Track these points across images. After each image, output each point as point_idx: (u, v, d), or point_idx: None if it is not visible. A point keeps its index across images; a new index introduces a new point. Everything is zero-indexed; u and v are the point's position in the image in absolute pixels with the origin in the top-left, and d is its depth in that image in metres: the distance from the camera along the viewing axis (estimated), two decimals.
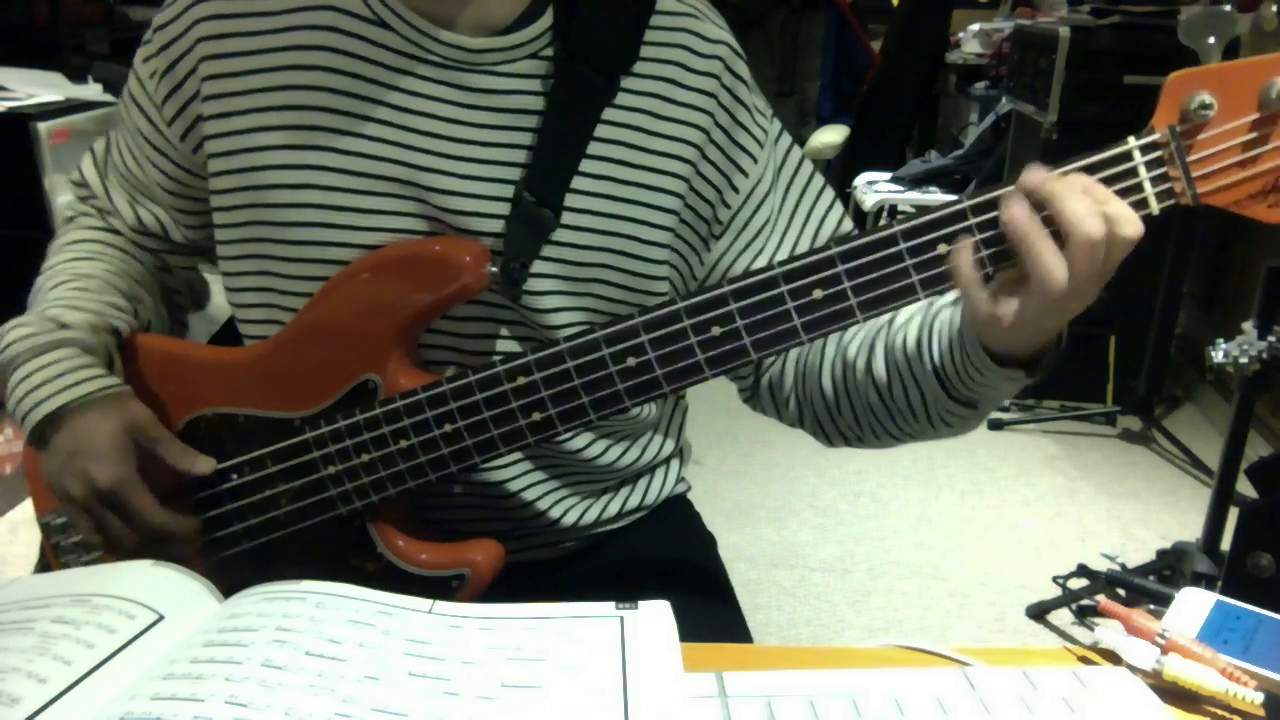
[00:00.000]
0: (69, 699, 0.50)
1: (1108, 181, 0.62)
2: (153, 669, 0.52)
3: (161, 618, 0.58)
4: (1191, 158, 0.62)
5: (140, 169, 0.84)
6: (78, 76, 2.70)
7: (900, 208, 3.43)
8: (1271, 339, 1.64)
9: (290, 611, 0.57)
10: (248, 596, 0.60)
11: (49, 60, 2.77)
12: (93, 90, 2.68)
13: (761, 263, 0.82)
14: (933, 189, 3.63)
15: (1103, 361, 2.90)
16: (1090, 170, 0.62)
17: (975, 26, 4.57)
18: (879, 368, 0.78)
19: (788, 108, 4.40)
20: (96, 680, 0.51)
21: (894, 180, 3.75)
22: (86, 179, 0.89)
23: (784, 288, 0.66)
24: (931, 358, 0.73)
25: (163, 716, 0.47)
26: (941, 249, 0.64)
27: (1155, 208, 0.63)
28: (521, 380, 0.70)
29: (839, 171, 4.28)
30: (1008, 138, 3.28)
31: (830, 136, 4.17)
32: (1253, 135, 0.61)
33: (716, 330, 0.67)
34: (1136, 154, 0.62)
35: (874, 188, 3.70)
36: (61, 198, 2.44)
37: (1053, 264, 0.60)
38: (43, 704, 0.49)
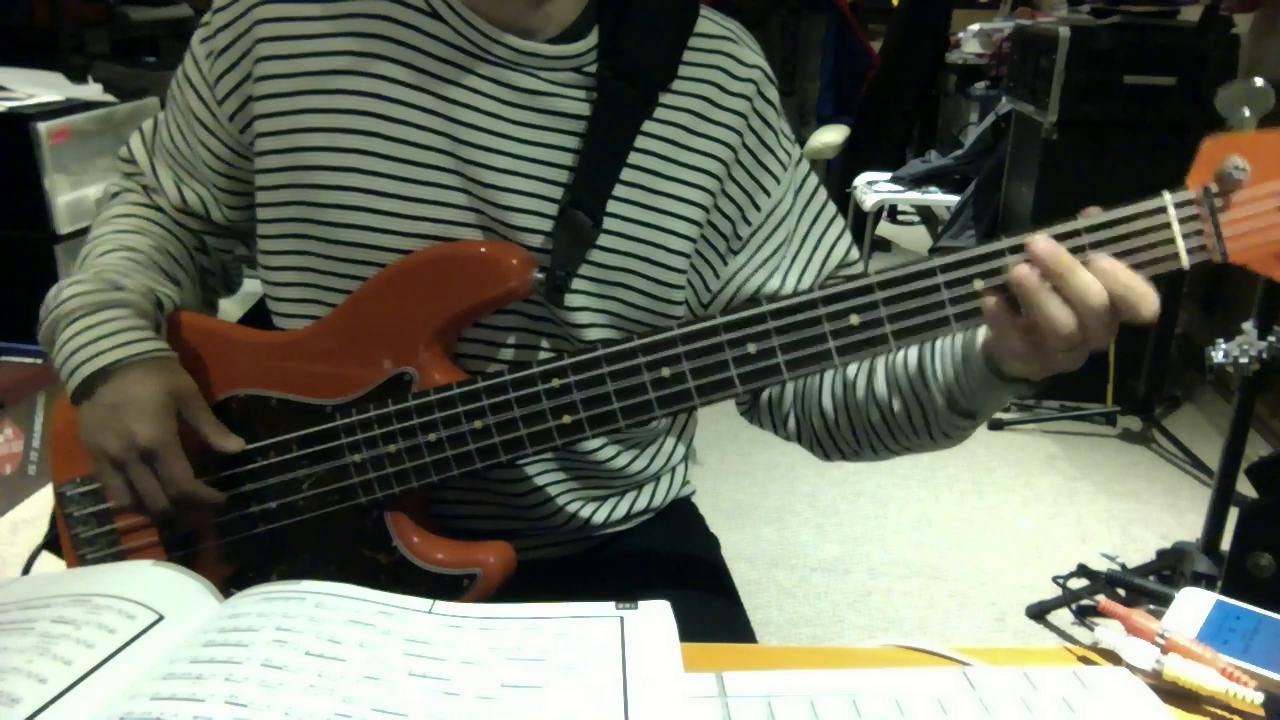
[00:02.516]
0: (69, 699, 0.50)
1: (1143, 233, 0.64)
2: (153, 669, 0.52)
3: (161, 618, 0.58)
4: (1223, 217, 0.64)
5: (189, 148, 0.85)
6: (78, 76, 2.70)
7: (900, 207, 3.43)
8: (1271, 339, 1.64)
9: (290, 611, 0.57)
10: (248, 596, 0.60)
11: (49, 60, 2.77)
12: (93, 90, 2.68)
13: (775, 282, 0.85)
14: (933, 189, 3.62)
15: (1103, 361, 2.90)
16: (1127, 220, 0.64)
17: (975, 26, 4.58)
18: (880, 386, 0.79)
19: (788, 108, 4.37)
20: (96, 680, 0.51)
21: (894, 180, 3.74)
22: (134, 155, 0.89)
23: (822, 310, 0.67)
24: (937, 375, 0.75)
25: (163, 716, 0.47)
26: (978, 284, 0.65)
27: (1185, 262, 0.65)
28: (556, 382, 0.71)
29: (839, 171, 4.27)
30: (1008, 138, 3.27)
31: (830, 136, 4.17)
32: None
33: (752, 348, 0.68)
34: (1171, 209, 0.64)
35: (874, 188, 3.69)
36: (61, 197, 2.44)
37: (1058, 315, 0.62)
38: (43, 704, 0.49)
